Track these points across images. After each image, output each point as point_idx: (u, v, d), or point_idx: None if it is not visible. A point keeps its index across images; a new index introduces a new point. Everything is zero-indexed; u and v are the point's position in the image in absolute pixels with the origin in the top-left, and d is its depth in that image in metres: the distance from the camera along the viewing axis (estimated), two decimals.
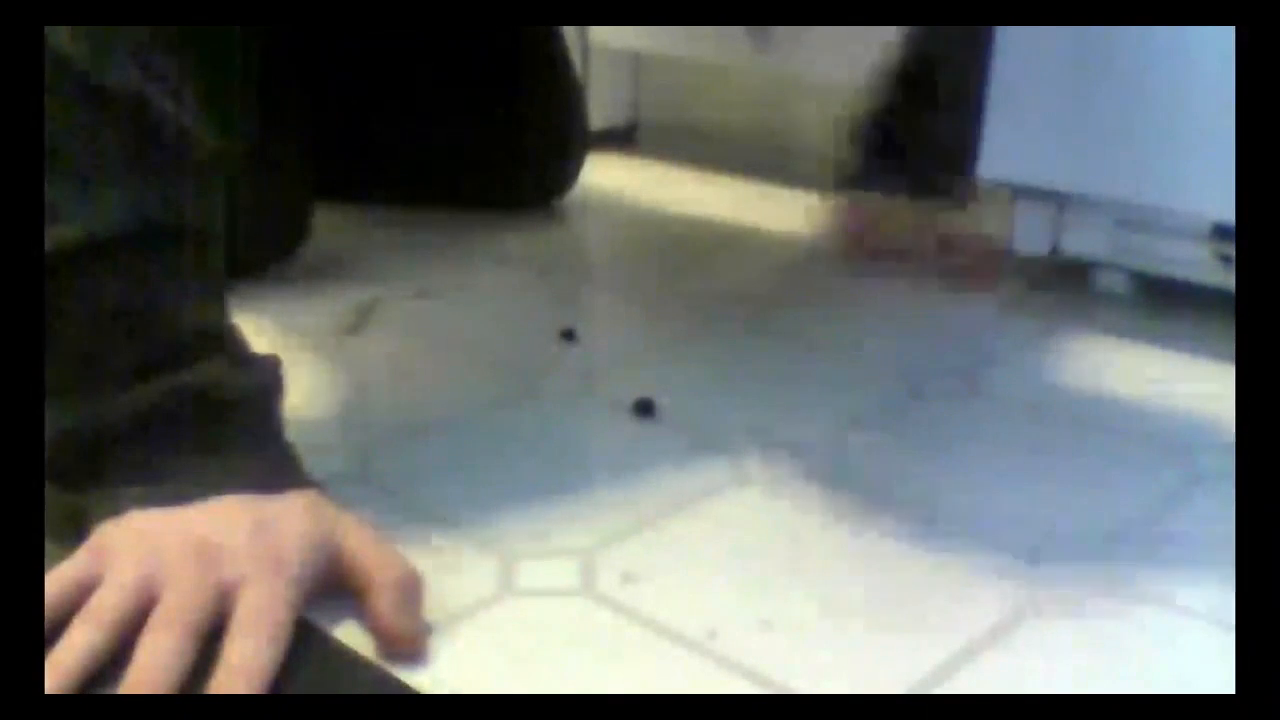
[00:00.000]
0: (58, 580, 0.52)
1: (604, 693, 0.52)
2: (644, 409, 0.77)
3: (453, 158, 1.13)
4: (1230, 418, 0.77)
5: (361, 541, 0.57)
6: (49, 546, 0.59)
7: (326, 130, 1.05)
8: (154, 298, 0.57)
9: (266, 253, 0.98)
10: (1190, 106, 0.84)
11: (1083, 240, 0.96)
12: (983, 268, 1.01)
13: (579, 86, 1.21)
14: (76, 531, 0.55)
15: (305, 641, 0.53)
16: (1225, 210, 0.85)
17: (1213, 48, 0.82)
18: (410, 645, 0.53)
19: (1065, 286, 1.00)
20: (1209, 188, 0.84)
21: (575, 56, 1.41)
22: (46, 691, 0.47)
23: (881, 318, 0.95)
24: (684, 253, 1.12)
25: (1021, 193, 0.96)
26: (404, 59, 1.09)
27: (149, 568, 0.52)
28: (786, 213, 1.24)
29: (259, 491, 0.56)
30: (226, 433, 0.58)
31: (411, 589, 0.55)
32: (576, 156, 1.22)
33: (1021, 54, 0.91)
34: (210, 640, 0.50)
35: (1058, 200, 0.95)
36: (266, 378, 0.63)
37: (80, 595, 0.51)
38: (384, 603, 0.54)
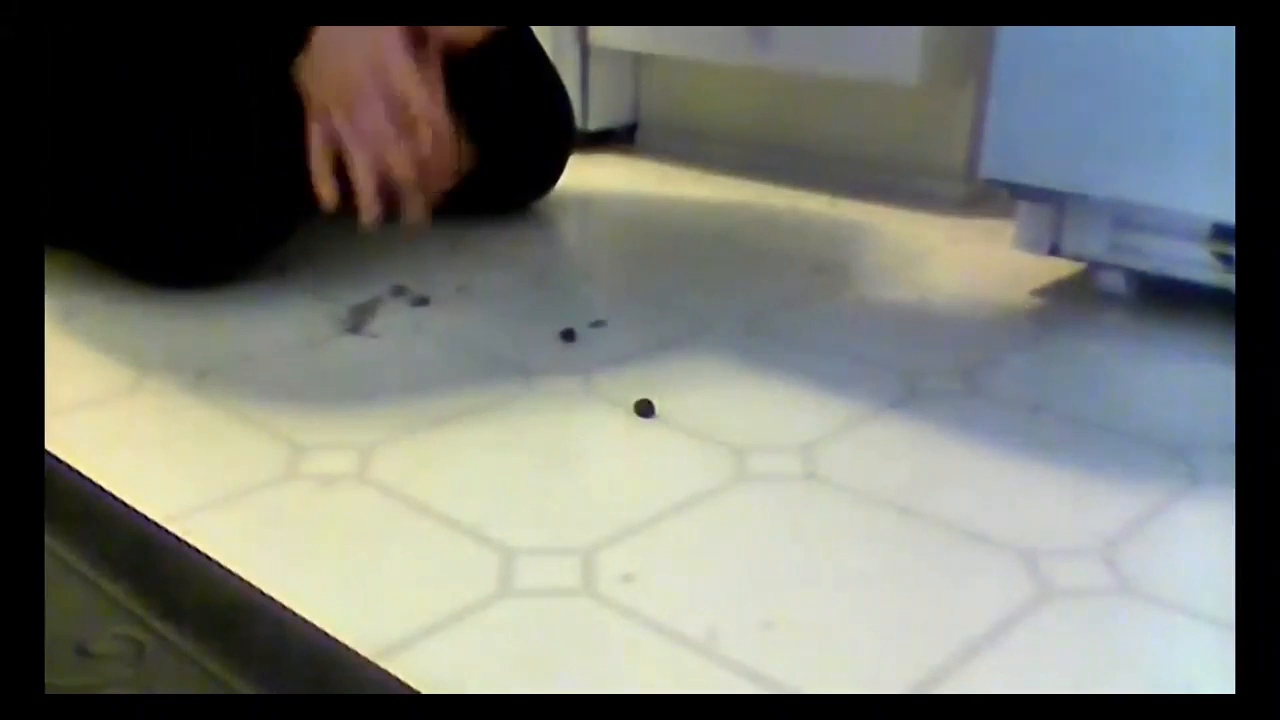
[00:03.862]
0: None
1: (604, 693, 0.52)
2: (644, 409, 0.77)
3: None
4: (1230, 418, 0.77)
5: None
6: (49, 541, 0.60)
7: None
8: None
9: (246, 249, 0.99)
10: (1190, 106, 0.84)
11: (1083, 240, 0.96)
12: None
13: (559, 84, 1.21)
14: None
15: (304, 641, 0.53)
16: (1225, 210, 0.85)
17: (1212, 48, 0.82)
18: None
19: (1065, 286, 1.00)
20: (1209, 188, 0.84)
21: (575, 56, 1.42)
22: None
23: (881, 317, 0.95)
24: (684, 253, 1.12)
25: (1021, 193, 0.96)
26: None
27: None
28: (786, 212, 1.24)
29: None
30: None
31: None
32: (559, 155, 1.22)
33: (1021, 54, 0.91)
34: None
35: (1058, 200, 0.95)
36: None
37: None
38: None
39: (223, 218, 0.95)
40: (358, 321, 0.92)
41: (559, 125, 1.22)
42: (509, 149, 1.16)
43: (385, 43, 0.91)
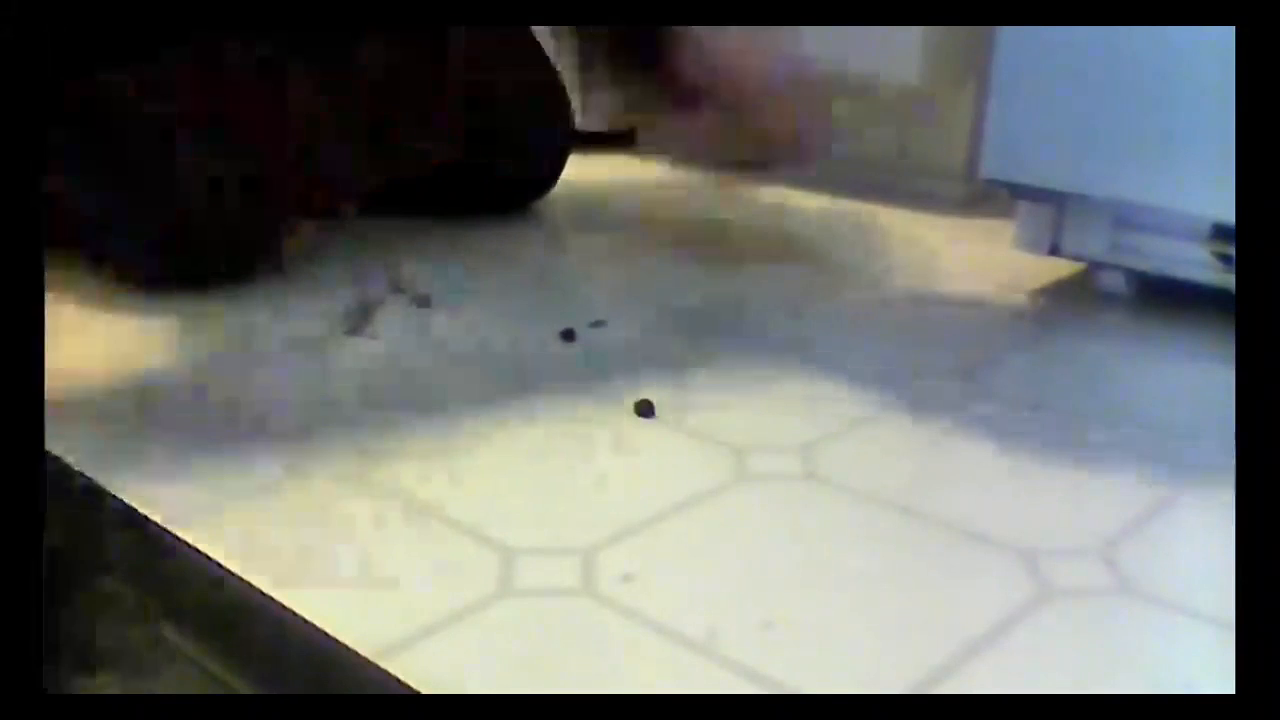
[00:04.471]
0: None
1: (604, 693, 0.52)
2: (644, 409, 0.77)
3: (440, 162, 1.13)
4: (1230, 418, 0.76)
5: None
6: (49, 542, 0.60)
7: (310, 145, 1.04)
8: None
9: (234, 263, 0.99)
10: (1190, 106, 0.84)
11: (1083, 240, 0.96)
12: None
13: (559, 84, 1.21)
14: None
15: (304, 641, 0.53)
16: (1225, 210, 0.85)
17: (1212, 47, 0.82)
18: None
19: (1065, 286, 1.00)
20: (1209, 188, 0.84)
21: (575, 57, 1.41)
22: None
23: (881, 317, 0.95)
24: (683, 253, 1.12)
25: (1021, 193, 0.96)
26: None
27: None
28: (786, 213, 1.24)
29: None
30: None
31: None
32: (559, 155, 1.22)
33: (1021, 54, 0.91)
34: None
35: (1058, 200, 0.95)
36: None
37: None
38: None
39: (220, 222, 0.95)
40: (358, 321, 0.92)
41: (559, 125, 1.22)
42: (510, 149, 1.16)
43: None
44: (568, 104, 1.22)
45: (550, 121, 1.20)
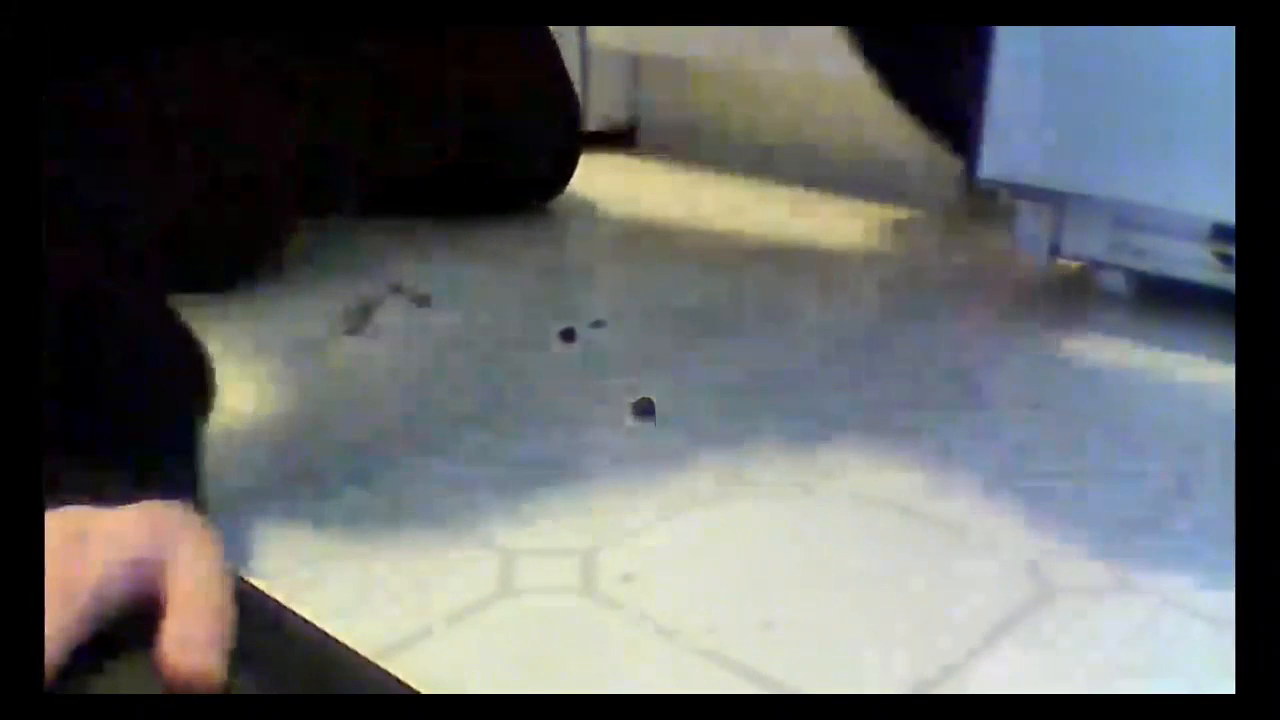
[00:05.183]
0: None
1: (604, 693, 0.52)
2: (644, 409, 0.77)
3: (440, 162, 1.13)
4: (1230, 418, 0.77)
5: (188, 565, 0.50)
6: None
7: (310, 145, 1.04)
8: None
9: (234, 268, 0.99)
10: (1190, 106, 0.84)
11: (1083, 240, 0.96)
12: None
13: (569, 85, 1.21)
14: None
15: (304, 641, 0.53)
16: (1225, 210, 0.85)
17: (1212, 47, 0.82)
18: (188, 680, 0.46)
19: (1065, 286, 1.00)
20: (1209, 188, 0.84)
21: (575, 56, 1.42)
22: None
23: (880, 317, 0.95)
24: (683, 253, 1.12)
25: (1021, 193, 0.96)
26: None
27: None
28: (786, 213, 1.24)
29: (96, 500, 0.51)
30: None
31: (211, 623, 0.48)
32: (569, 156, 1.22)
33: (1021, 54, 0.91)
34: None
35: (1058, 200, 0.95)
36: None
37: None
38: (173, 627, 0.47)
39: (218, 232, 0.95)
40: (357, 321, 0.92)
41: (563, 126, 1.22)
42: (510, 149, 1.16)
43: None
44: (575, 104, 1.22)
45: (553, 121, 1.20)
